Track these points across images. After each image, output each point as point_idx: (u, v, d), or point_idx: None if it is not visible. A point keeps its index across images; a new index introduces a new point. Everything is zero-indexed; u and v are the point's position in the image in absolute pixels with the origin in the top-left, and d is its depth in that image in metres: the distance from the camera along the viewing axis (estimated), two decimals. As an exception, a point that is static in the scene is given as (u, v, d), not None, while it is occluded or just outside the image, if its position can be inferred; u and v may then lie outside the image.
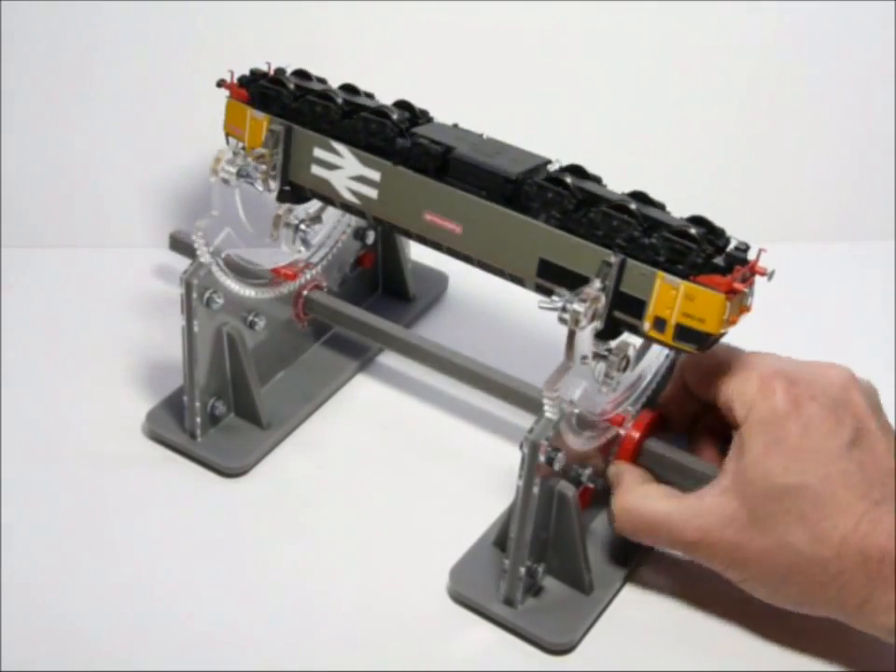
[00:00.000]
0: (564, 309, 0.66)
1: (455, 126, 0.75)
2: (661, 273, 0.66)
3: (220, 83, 0.78)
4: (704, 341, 0.66)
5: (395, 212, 0.74)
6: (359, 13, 0.96)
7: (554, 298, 0.66)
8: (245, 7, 0.95)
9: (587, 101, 0.99)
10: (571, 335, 0.66)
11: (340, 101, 0.76)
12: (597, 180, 0.71)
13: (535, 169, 0.71)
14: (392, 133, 0.74)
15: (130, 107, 0.98)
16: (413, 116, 0.76)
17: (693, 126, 1.00)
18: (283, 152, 0.77)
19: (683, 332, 0.66)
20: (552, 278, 0.70)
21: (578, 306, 0.65)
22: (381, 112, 0.74)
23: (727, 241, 0.68)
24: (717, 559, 0.68)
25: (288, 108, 0.77)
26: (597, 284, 0.67)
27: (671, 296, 0.66)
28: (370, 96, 0.78)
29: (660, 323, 0.67)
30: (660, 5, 0.97)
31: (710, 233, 0.67)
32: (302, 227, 0.81)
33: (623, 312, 0.68)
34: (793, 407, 0.66)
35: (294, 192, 0.79)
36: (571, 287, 0.67)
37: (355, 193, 0.76)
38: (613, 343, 0.70)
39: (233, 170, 0.76)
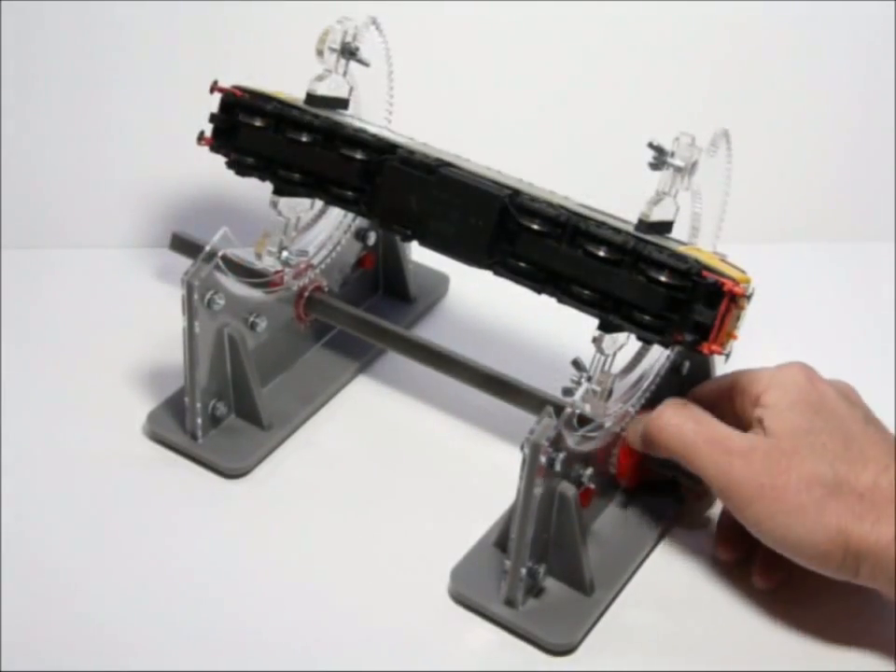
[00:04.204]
0: None
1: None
2: None
3: None
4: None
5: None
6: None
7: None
8: (245, 8, 0.96)
9: (582, 102, 0.99)
10: None
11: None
12: None
13: None
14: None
15: (130, 107, 0.98)
16: None
17: (692, 127, 0.99)
18: None
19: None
20: None
21: None
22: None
23: None
24: (752, 481, 0.68)
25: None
26: None
27: None
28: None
29: None
30: (657, 5, 0.97)
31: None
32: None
33: None
34: (811, 383, 0.71)
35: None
36: None
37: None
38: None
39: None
